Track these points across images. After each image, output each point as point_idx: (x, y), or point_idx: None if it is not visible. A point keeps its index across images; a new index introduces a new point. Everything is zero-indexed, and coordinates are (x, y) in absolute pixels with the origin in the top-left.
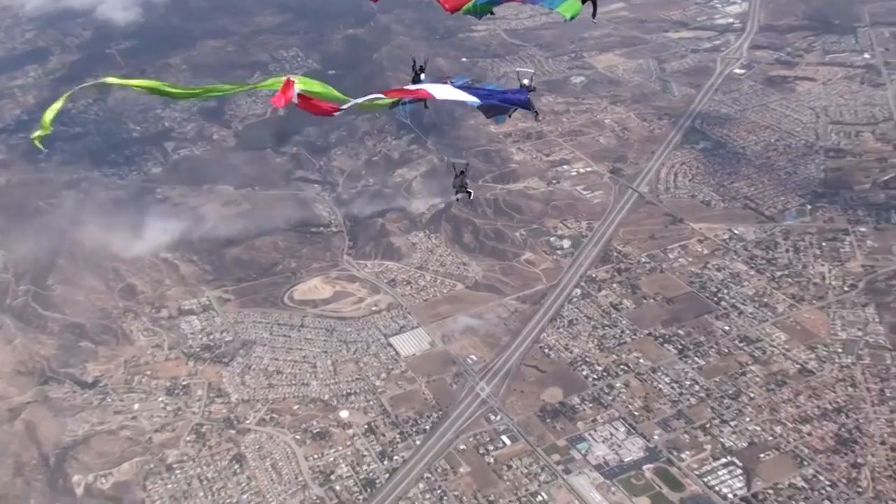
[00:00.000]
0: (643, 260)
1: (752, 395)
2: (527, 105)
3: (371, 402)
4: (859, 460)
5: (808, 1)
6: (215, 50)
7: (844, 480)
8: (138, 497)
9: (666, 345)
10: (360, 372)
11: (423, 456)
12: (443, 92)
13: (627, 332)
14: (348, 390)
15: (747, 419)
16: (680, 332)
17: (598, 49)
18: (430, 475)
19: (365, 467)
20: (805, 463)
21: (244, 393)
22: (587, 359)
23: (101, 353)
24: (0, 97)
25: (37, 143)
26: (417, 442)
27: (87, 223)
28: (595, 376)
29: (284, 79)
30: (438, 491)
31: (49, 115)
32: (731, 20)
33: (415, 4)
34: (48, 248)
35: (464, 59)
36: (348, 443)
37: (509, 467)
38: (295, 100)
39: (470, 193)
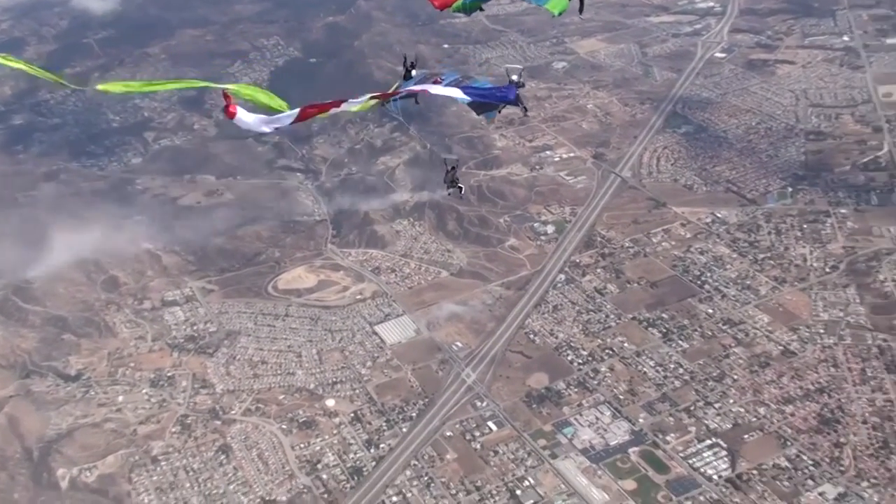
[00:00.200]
0: (627, 244)
1: (735, 377)
2: (515, 101)
3: (357, 391)
4: (841, 439)
5: None
6: (194, 39)
7: (827, 459)
8: (124, 489)
9: (650, 329)
10: (345, 360)
11: (409, 443)
12: (432, 89)
13: (612, 316)
14: (334, 379)
15: (731, 401)
16: (664, 315)
17: (579, 34)
18: (416, 462)
19: (352, 455)
20: (788, 443)
21: (229, 383)
22: (572, 344)
23: (84, 345)
24: None
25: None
26: (404, 429)
27: (68, 215)
28: (580, 361)
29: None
30: (425, 478)
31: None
32: (711, 4)
33: None
34: (28, 240)
35: (445, 46)
36: (335, 431)
37: (496, 453)
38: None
39: (461, 189)
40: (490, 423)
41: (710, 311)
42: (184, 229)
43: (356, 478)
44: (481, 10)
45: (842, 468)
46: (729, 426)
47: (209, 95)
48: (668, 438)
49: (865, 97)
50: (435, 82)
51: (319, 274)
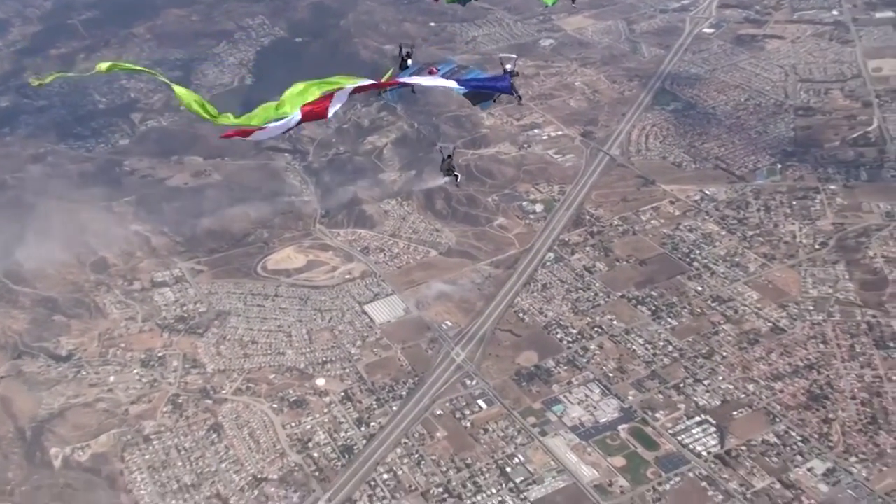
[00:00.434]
0: (615, 222)
1: (724, 353)
2: (510, 90)
3: (347, 370)
4: (830, 415)
5: None
6: (180, 19)
7: (816, 436)
8: (116, 468)
9: (639, 306)
10: (335, 340)
11: (400, 422)
12: (426, 81)
13: (601, 294)
14: (324, 358)
15: (720, 378)
16: (653, 293)
17: (566, 11)
18: (407, 440)
19: (342, 434)
20: (777, 419)
21: (220, 363)
22: (561, 322)
23: (75, 326)
24: None
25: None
26: (394, 408)
27: (56, 197)
28: (569, 339)
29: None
30: (416, 455)
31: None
32: None
33: None
34: (16, 222)
35: (432, 24)
36: (325, 410)
37: (486, 431)
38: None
39: (458, 177)
40: (480, 402)
41: (700, 288)
42: (172, 210)
43: (347, 456)
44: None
45: (830, 444)
46: (718, 403)
47: (195, 75)
48: (657, 415)
49: (855, 72)
50: (431, 73)
51: (308, 254)
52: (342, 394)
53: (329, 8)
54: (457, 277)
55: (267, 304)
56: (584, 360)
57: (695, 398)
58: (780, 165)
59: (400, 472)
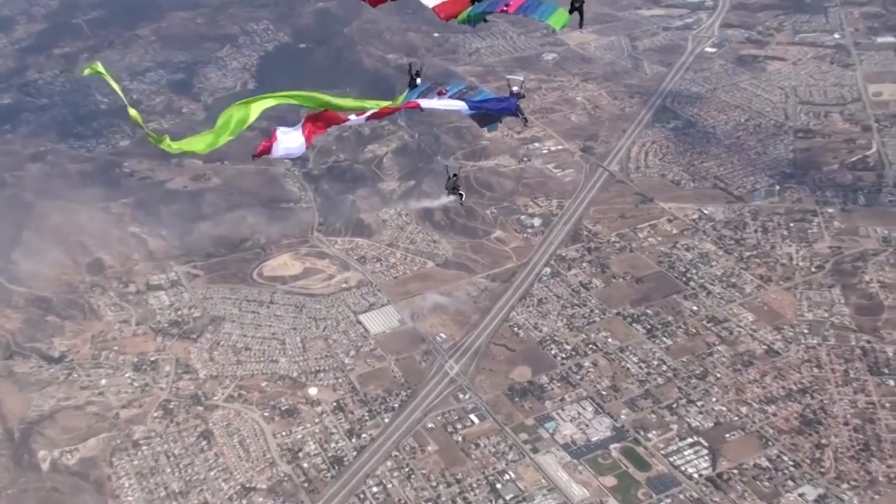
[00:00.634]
0: (613, 239)
1: (718, 375)
2: (515, 112)
3: (340, 380)
4: (823, 441)
5: None
6: (184, 21)
7: (808, 461)
8: (104, 473)
9: (634, 324)
10: (329, 349)
11: (391, 434)
12: (434, 103)
13: (596, 311)
14: (317, 367)
15: (714, 399)
16: (648, 311)
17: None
18: (398, 453)
19: (333, 445)
20: (770, 443)
21: (212, 369)
22: (556, 338)
23: (68, 327)
24: None
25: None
26: (386, 420)
27: (54, 196)
28: (564, 355)
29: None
30: (406, 469)
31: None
32: None
33: None
34: (13, 221)
35: (436, 35)
36: (316, 420)
37: (477, 446)
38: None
39: (462, 196)
40: (472, 416)
41: (695, 308)
42: (170, 213)
43: (337, 467)
44: (485, 21)
45: (822, 470)
46: (711, 425)
47: (197, 78)
48: (649, 435)
49: (855, 95)
50: (439, 93)
51: (305, 261)
52: (334, 404)
53: (334, 15)
54: (453, 289)
55: (262, 311)
56: (578, 377)
57: (688, 419)
58: (778, 187)
59: (390, 486)
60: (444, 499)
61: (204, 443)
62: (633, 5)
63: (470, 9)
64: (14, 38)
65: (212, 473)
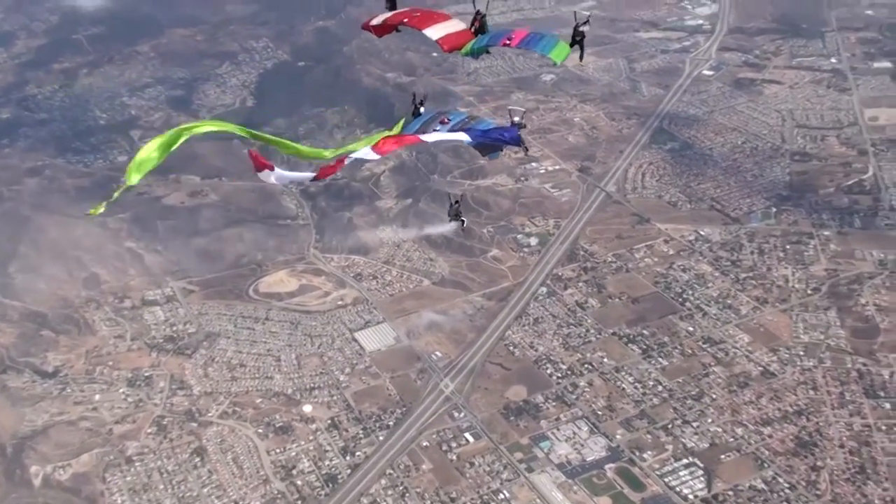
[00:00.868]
0: (609, 259)
1: (714, 396)
2: (517, 142)
3: (335, 397)
4: (818, 463)
5: (777, 4)
6: (184, 38)
7: (804, 483)
8: (97, 489)
9: (630, 345)
10: (324, 366)
11: (385, 452)
12: (434, 137)
13: (592, 331)
14: (312, 385)
15: (709, 420)
16: (644, 332)
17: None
18: (392, 471)
19: (327, 462)
20: (765, 465)
21: (207, 385)
22: (552, 357)
23: (63, 342)
24: None
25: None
26: (380, 438)
27: (51, 211)
28: (559, 375)
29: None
30: (400, 487)
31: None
32: (700, 21)
33: None
34: (10, 235)
35: (434, 54)
36: (311, 437)
37: (472, 465)
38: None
39: (464, 222)
40: (467, 435)
41: (691, 328)
42: (167, 229)
43: (331, 485)
44: (487, 52)
45: (818, 492)
46: (706, 446)
47: (196, 95)
48: (644, 456)
49: (851, 120)
50: (442, 122)
51: (301, 278)
52: (329, 421)
53: (333, 34)
54: (449, 308)
55: (257, 328)
56: (573, 397)
57: (683, 440)
58: (774, 209)
59: None
60: None
61: (197, 459)
62: (632, 28)
63: (473, 42)
64: (14, 53)
65: (205, 490)
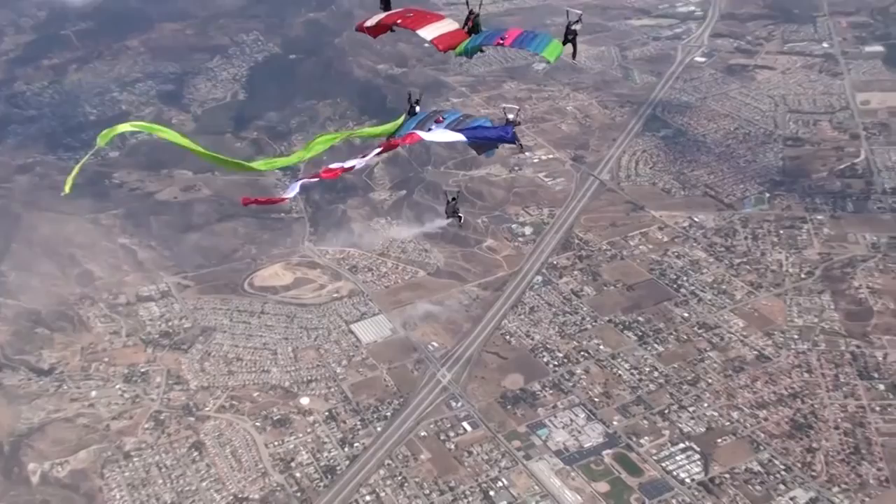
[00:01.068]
0: (604, 247)
1: (710, 380)
2: (512, 140)
3: (332, 389)
4: (814, 445)
5: None
6: (174, 33)
7: (799, 465)
8: (95, 485)
9: (626, 331)
10: (320, 359)
11: (383, 443)
12: (433, 136)
13: (588, 318)
14: (309, 377)
15: (705, 405)
16: (640, 318)
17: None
18: (390, 462)
19: (325, 454)
20: (761, 448)
21: (203, 380)
22: (548, 345)
23: (58, 339)
24: None
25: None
26: (378, 429)
27: (42, 208)
28: (556, 363)
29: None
30: (399, 477)
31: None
32: (692, 8)
33: None
34: (1, 233)
35: (426, 45)
36: (309, 430)
37: (470, 453)
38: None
39: (461, 218)
40: (464, 424)
41: (686, 314)
42: (160, 224)
43: (329, 476)
44: (481, 51)
45: (813, 473)
46: (702, 430)
47: (187, 89)
48: (641, 441)
49: (843, 104)
50: (437, 121)
51: (296, 271)
52: (326, 413)
53: (324, 26)
54: (444, 298)
55: (253, 321)
56: (570, 385)
57: (679, 425)
58: (768, 194)
59: (383, 494)
60: None
61: (195, 454)
62: (623, 15)
63: (467, 41)
64: (2, 50)
65: (204, 484)
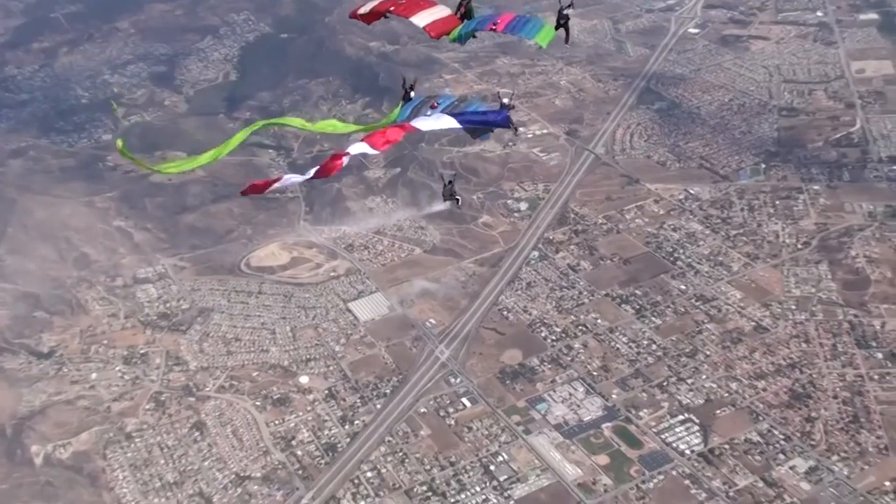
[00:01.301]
0: (600, 221)
1: (708, 352)
2: (507, 124)
3: (331, 368)
4: (813, 414)
5: None
6: (164, 14)
7: (798, 434)
8: (98, 466)
9: (623, 305)
10: (319, 337)
11: (383, 420)
12: (428, 124)
13: (585, 293)
14: (308, 356)
15: (704, 376)
16: (637, 292)
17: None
18: (391, 438)
19: (326, 432)
20: (760, 418)
21: (203, 360)
22: (546, 320)
23: (57, 323)
24: None
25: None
26: (378, 406)
27: (37, 192)
28: (554, 338)
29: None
30: (400, 454)
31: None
32: None
33: None
34: None
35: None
36: (309, 408)
37: (470, 429)
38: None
39: (458, 201)
40: (464, 400)
41: (683, 287)
42: (155, 206)
43: (331, 454)
44: (474, 37)
45: (813, 442)
46: (701, 401)
47: (179, 70)
48: (640, 414)
49: (838, 73)
50: (432, 106)
51: (292, 251)
52: (326, 391)
53: (315, 4)
54: (441, 275)
55: (251, 301)
56: (568, 359)
57: (678, 397)
58: (763, 165)
59: (384, 471)
60: (438, 482)
61: (197, 433)
62: None
63: (460, 27)
64: None
65: (206, 463)
